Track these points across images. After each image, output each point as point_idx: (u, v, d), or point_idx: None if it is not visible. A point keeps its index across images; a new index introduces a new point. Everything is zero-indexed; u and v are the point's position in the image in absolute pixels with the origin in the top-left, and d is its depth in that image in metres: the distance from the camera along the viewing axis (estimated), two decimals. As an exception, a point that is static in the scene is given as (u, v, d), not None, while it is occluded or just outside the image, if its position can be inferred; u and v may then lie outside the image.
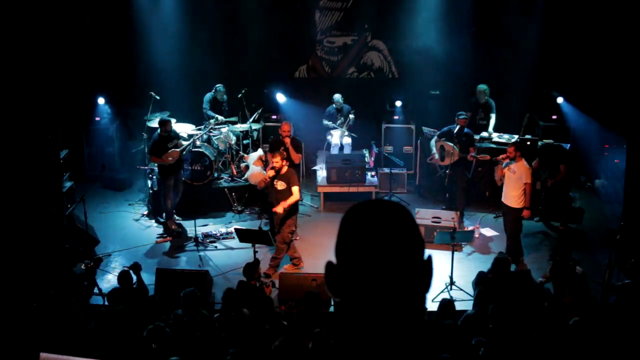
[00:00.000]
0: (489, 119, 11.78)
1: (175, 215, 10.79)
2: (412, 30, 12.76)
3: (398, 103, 12.65)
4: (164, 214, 10.73)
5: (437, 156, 10.88)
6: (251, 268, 8.04)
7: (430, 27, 12.59)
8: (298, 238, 10.06)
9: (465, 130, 10.67)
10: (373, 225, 1.45)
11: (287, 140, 10.03)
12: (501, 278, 7.75)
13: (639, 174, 9.50)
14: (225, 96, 12.17)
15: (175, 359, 5.55)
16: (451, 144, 10.63)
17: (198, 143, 11.20)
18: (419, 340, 1.46)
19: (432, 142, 11.07)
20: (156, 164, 10.56)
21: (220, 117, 11.85)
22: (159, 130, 10.41)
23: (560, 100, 12.19)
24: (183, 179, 10.80)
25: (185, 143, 10.66)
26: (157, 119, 10.75)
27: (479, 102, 11.85)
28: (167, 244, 10.32)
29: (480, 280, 7.78)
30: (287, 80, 13.35)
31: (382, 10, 12.98)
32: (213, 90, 12.03)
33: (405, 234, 1.46)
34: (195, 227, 10.26)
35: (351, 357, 1.45)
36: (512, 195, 9.32)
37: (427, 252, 1.52)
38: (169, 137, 10.39)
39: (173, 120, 10.86)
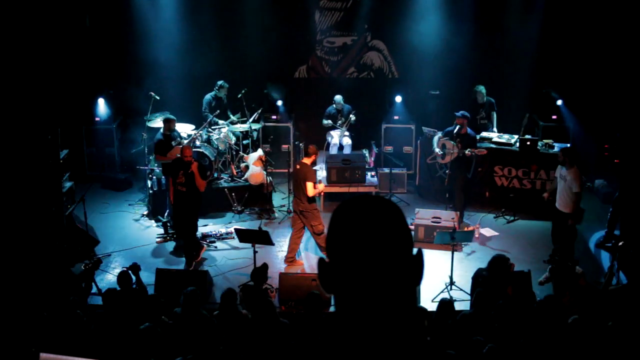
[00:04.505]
0: (491, 117, 11.83)
1: None
2: (412, 30, 12.75)
3: (398, 98, 12.65)
4: (166, 213, 10.77)
5: (439, 151, 10.86)
6: (260, 272, 8.02)
7: (430, 26, 12.59)
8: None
9: (468, 130, 10.64)
10: (361, 222, 1.48)
11: (195, 166, 9.29)
12: (499, 277, 7.73)
13: (637, 175, 9.51)
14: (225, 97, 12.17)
15: None
16: (452, 143, 10.64)
17: (198, 143, 11.21)
18: (412, 333, 1.47)
19: (435, 139, 11.05)
20: (160, 163, 10.63)
21: (233, 117, 11.98)
22: (162, 129, 10.50)
23: (559, 102, 12.25)
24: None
25: (186, 142, 10.70)
26: (162, 118, 10.81)
27: (478, 102, 11.87)
28: (167, 244, 10.32)
29: (479, 280, 7.77)
30: (287, 81, 13.35)
31: (382, 10, 12.98)
32: (216, 88, 11.96)
33: (392, 229, 1.48)
34: (195, 227, 10.25)
35: (346, 351, 1.47)
36: (564, 201, 9.19)
37: (425, 251, 1.54)
38: (172, 136, 10.48)
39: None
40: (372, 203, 1.51)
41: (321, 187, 9.60)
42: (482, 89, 11.79)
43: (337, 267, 1.48)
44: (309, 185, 9.23)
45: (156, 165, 10.93)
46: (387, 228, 1.47)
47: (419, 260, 1.52)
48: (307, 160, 9.45)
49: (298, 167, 9.54)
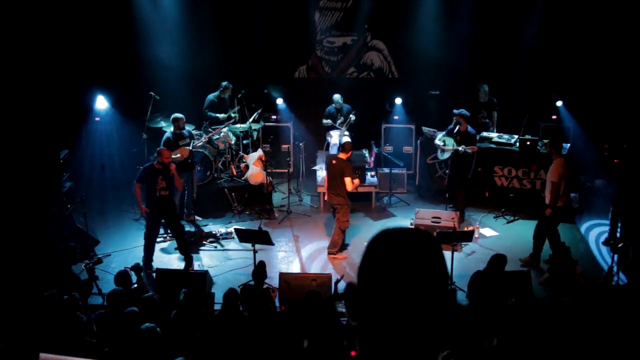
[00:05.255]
0: (492, 117, 11.86)
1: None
2: (412, 30, 12.76)
3: (398, 100, 12.68)
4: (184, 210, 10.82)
5: (440, 144, 10.90)
6: (259, 271, 8.01)
7: (430, 27, 12.61)
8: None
9: (468, 128, 10.65)
10: (400, 254, 1.43)
11: (173, 167, 9.23)
12: (497, 276, 7.73)
13: (637, 176, 9.51)
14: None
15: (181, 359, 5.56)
16: (451, 140, 10.66)
17: (198, 144, 11.20)
18: None
19: (439, 136, 11.06)
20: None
21: (234, 114, 11.90)
22: (172, 128, 10.47)
23: (559, 103, 12.27)
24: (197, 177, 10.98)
25: (199, 143, 10.72)
26: (171, 118, 10.73)
27: (480, 101, 11.89)
28: (167, 244, 10.31)
29: (476, 279, 7.78)
30: (287, 81, 13.35)
31: (382, 10, 12.98)
32: (220, 89, 11.94)
33: (431, 267, 1.44)
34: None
35: None
36: (546, 192, 9.34)
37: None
38: (181, 135, 10.43)
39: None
40: (411, 236, 1.47)
41: (357, 182, 9.68)
42: (485, 87, 11.83)
43: (367, 296, 1.44)
44: (348, 180, 9.36)
45: None
46: (424, 264, 1.43)
47: (451, 300, 1.47)
48: (343, 156, 9.53)
49: (334, 162, 9.58)
